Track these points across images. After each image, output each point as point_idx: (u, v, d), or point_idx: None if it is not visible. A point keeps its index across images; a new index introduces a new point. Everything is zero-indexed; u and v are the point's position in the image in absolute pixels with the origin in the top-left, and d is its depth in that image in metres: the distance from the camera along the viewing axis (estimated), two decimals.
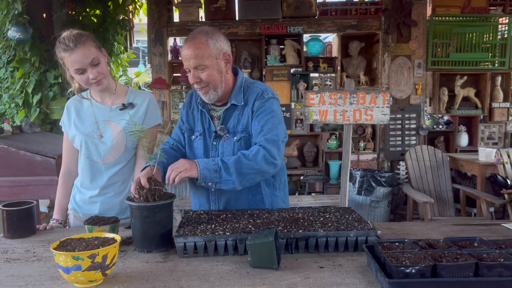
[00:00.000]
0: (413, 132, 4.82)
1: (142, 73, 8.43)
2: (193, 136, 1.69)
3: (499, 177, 3.68)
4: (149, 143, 1.50)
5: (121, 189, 1.76)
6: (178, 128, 1.76)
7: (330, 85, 4.97)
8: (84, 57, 1.59)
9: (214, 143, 1.63)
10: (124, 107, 1.75)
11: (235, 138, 1.60)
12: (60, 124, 1.86)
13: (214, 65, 1.52)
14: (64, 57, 1.61)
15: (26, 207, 1.54)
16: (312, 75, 5.13)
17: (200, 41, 1.49)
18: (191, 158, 1.68)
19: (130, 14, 5.64)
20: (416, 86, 4.78)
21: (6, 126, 3.25)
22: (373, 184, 4.14)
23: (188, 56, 1.50)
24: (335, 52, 5.04)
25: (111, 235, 1.22)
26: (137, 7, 5.83)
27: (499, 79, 4.90)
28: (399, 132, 4.82)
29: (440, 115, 4.97)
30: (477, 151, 4.20)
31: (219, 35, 1.55)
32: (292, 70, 4.85)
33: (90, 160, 1.75)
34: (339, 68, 4.88)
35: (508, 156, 3.84)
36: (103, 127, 1.73)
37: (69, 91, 1.77)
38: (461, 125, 4.96)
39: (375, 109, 2.91)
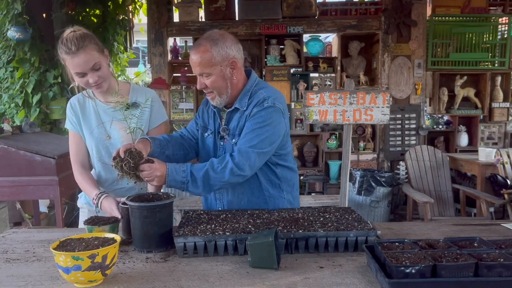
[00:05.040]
0: (413, 132, 4.82)
1: (142, 73, 8.44)
2: (205, 134, 1.72)
3: (499, 177, 3.68)
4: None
5: (135, 184, 1.75)
6: (194, 121, 1.79)
7: (330, 85, 4.97)
8: (85, 63, 1.59)
9: (221, 143, 1.67)
10: (128, 106, 1.75)
11: (233, 140, 1.62)
12: (65, 127, 1.84)
13: (218, 72, 1.52)
14: (66, 59, 1.61)
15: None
16: (312, 75, 5.13)
17: (205, 48, 1.50)
18: (203, 153, 1.73)
19: (130, 14, 5.63)
20: (416, 86, 4.78)
21: (6, 126, 3.25)
22: (373, 184, 4.14)
23: (193, 63, 1.54)
24: (335, 52, 5.03)
25: (111, 235, 1.22)
26: (137, 7, 5.83)
27: (499, 79, 4.89)
28: (399, 132, 4.82)
29: (440, 115, 4.96)
30: (477, 151, 4.19)
31: (225, 41, 1.53)
32: (292, 70, 4.84)
33: (103, 163, 1.77)
34: (339, 68, 4.87)
35: (508, 156, 3.84)
36: (110, 128, 1.75)
37: (71, 86, 1.76)
38: (461, 125, 4.96)
39: (375, 109, 2.91)
